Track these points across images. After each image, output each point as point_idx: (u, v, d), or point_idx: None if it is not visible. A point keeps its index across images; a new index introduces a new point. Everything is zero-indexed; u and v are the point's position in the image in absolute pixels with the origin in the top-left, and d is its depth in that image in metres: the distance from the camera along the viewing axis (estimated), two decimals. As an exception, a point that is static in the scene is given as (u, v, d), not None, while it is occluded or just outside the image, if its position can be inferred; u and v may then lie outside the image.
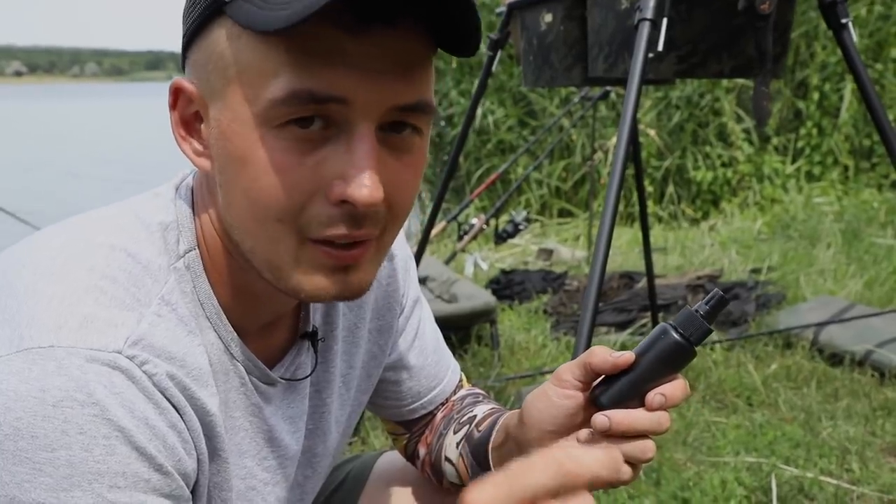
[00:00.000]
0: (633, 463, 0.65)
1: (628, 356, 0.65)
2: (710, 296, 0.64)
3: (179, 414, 0.60)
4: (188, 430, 0.61)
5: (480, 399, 0.94)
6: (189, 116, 0.63)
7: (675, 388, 0.64)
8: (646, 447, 0.64)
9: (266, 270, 0.62)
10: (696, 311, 0.64)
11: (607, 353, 0.65)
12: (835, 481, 1.85)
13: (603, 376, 0.67)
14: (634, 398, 0.65)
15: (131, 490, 0.55)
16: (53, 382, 0.54)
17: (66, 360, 0.55)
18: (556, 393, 0.69)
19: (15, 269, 0.61)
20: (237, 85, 0.58)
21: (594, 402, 0.67)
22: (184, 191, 0.69)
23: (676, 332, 0.64)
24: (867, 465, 1.93)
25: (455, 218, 3.81)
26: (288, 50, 0.56)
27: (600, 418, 0.64)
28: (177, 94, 0.63)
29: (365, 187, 0.57)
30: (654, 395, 0.64)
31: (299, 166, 0.57)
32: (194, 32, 0.61)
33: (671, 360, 0.64)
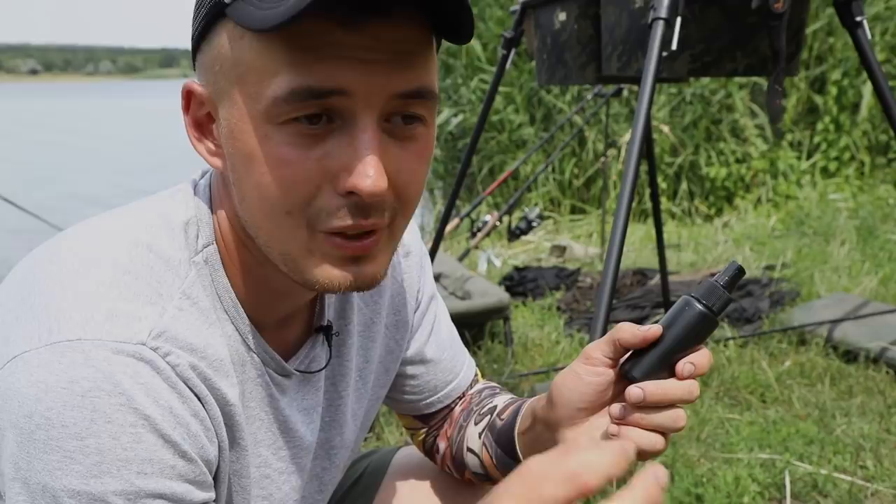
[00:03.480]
0: (664, 433, 0.67)
1: (656, 329, 0.66)
2: (727, 268, 0.67)
3: (201, 403, 0.62)
4: (210, 418, 0.63)
5: (498, 391, 0.96)
6: (201, 118, 0.65)
7: (701, 357, 0.66)
8: (678, 416, 0.66)
9: (281, 263, 0.64)
10: (717, 282, 0.66)
11: (635, 328, 0.67)
12: (849, 478, 1.85)
13: (630, 351, 0.68)
14: (664, 370, 0.66)
15: (158, 476, 0.57)
16: (81, 374, 0.56)
17: (93, 352, 0.56)
18: (586, 371, 0.70)
19: (41, 266, 0.63)
20: (242, 85, 0.59)
21: (625, 377, 0.68)
22: (202, 187, 0.70)
23: (700, 303, 0.65)
24: (881, 461, 1.93)
25: (468, 215, 3.82)
26: (286, 48, 0.57)
27: (634, 391, 0.65)
28: (189, 96, 0.65)
29: (368, 178, 0.58)
30: (683, 364, 0.65)
31: (305, 160, 0.59)
32: (200, 35, 0.63)
33: (697, 331, 0.66)
